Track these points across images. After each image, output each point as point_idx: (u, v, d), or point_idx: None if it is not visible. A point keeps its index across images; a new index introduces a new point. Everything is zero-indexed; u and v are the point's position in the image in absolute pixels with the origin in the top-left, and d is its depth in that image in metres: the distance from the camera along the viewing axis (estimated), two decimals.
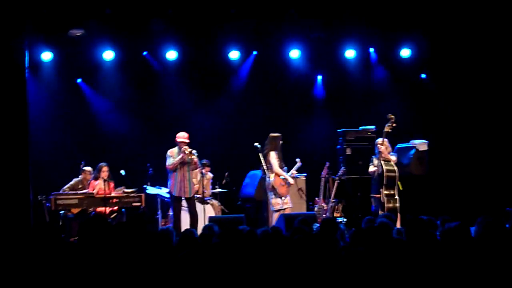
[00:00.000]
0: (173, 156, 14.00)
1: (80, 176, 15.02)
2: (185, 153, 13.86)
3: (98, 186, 14.54)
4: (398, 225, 12.87)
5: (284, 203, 14.22)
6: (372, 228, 7.40)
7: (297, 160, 14.78)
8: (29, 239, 6.22)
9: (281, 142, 14.48)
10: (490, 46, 16.45)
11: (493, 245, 6.42)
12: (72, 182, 14.92)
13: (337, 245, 6.86)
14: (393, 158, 14.48)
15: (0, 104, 6.92)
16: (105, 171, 14.67)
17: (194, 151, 13.95)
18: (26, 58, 7.04)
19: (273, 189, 14.21)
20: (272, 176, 14.20)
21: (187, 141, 14.01)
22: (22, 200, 6.74)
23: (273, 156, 14.28)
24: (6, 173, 6.81)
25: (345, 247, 6.95)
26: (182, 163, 13.98)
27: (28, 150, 7.17)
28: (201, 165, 14.42)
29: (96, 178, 14.69)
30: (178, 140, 14.03)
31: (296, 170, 14.81)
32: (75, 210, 14.40)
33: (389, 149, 14.53)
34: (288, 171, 14.59)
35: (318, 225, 11.46)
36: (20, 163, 7.05)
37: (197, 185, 14.63)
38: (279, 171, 14.25)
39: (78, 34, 15.62)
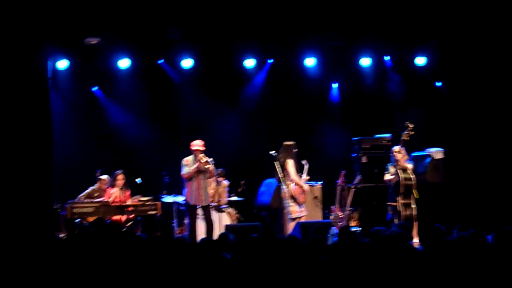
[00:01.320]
0: (188, 165, 14.00)
1: (96, 185, 15.04)
2: (200, 161, 13.86)
3: (114, 194, 14.56)
4: (414, 233, 12.88)
5: (301, 211, 14.20)
6: (383, 237, 7.38)
7: (303, 162, 14.72)
8: (52, 247, 6.25)
9: (295, 150, 14.45)
10: (505, 53, 16.42)
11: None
12: (88, 190, 14.94)
13: (354, 254, 6.84)
14: (410, 166, 14.44)
15: (24, 115, 6.97)
16: (120, 179, 14.67)
17: (210, 160, 13.94)
18: (49, 68, 7.10)
19: (292, 197, 14.16)
20: (290, 184, 14.17)
21: (203, 149, 14.01)
22: (45, 210, 6.78)
23: (291, 164, 14.24)
24: (31, 183, 6.86)
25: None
26: (198, 172, 13.98)
27: (52, 159, 7.23)
28: (216, 174, 14.44)
29: (112, 186, 14.71)
30: (193, 148, 14.02)
31: (306, 174, 14.74)
32: (90, 219, 14.41)
33: (406, 157, 14.47)
34: (300, 176, 14.54)
35: (334, 229, 11.46)
36: (44, 173, 7.10)
37: (212, 191, 14.67)
38: (296, 179, 14.23)
39: (94, 42, 15.67)
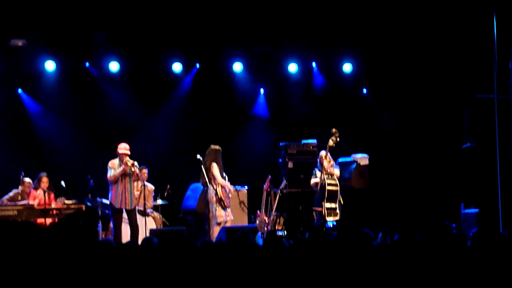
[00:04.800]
0: (114, 168, 13.87)
1: (19, 187, 14.80)
2: (127, 164, 13.76)
3: (39, 197, 14.33)
4: None
5: (227, 215, 14.18)
6: (309, 240, 7.42)
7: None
8: None
9: (220, 153, 14.42)
10: (429, 63, 16.76)
11: (437, 256, 6.48)
12: (11, 194, 14.69)
13: (281, 258, 6.86)
14: (336, 172, 14.57)
15: None
16: (45, 182, 14.47)
17: (135, 163, 13.86)
18: None
19: (219, 201, 14.13)
20: (216, 188, 14.13)
21: (128, 152, 13.91)
22: None
23: (216, 168, 14.23)
24: None
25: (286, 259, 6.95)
26: (124, 175, 13.87)
27: None
28: (139, 170, 14.26)
29: (36, 188, 14.49)
30: (119, 151, 13.91)
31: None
32: None
33: (332, 162, 14.60)
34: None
35: (259, 234, 11.48)
36: None
37: (138, 195, 14.57)
38: (223, 182, 14.20)
39: (20, 44, 15.46)
